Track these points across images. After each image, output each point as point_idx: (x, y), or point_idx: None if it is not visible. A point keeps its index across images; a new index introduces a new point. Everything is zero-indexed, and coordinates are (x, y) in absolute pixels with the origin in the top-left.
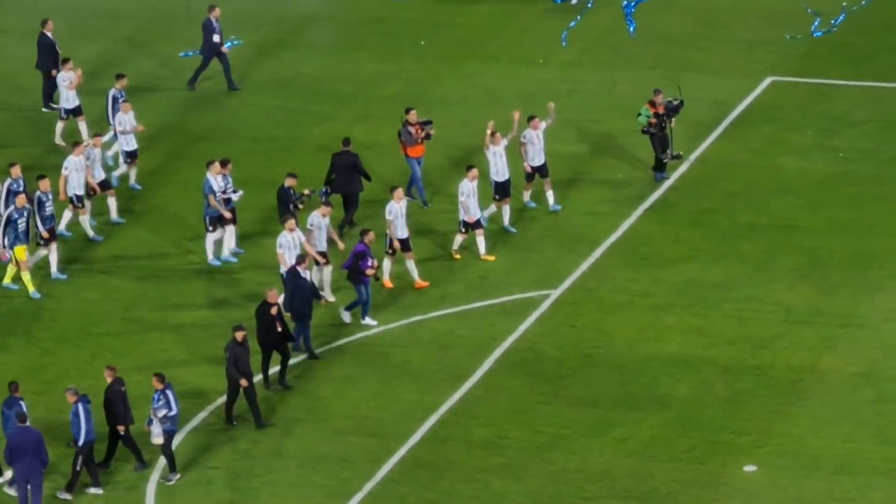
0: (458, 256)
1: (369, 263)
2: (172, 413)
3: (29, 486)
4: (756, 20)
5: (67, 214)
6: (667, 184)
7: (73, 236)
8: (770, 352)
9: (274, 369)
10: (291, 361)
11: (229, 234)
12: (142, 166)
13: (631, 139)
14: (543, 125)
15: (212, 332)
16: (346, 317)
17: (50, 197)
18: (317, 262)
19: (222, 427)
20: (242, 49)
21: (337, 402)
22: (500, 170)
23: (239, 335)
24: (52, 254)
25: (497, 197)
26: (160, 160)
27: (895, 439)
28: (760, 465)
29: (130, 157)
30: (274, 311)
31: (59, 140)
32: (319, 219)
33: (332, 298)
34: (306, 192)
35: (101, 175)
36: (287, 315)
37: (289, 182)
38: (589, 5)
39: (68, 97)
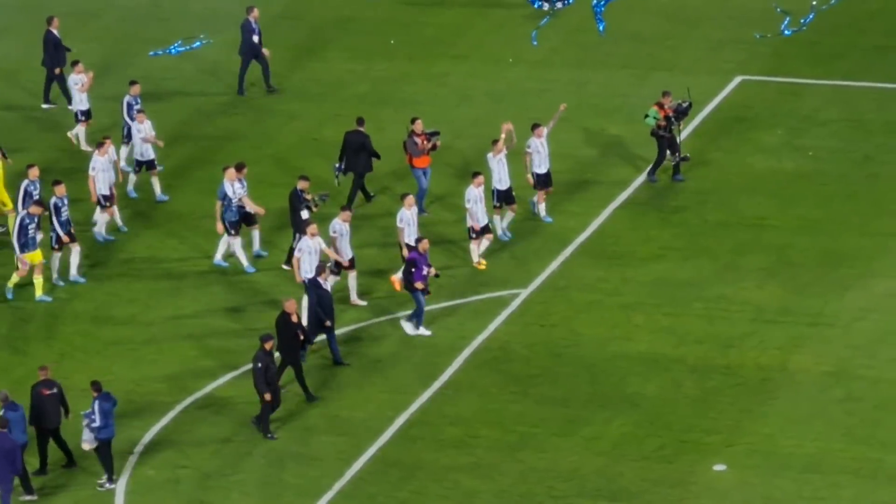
0: (482, 266)
1: (423, 273)
2: (95, 425)
3: None
4: (725, 19)
5: (104, 217)
6: (636, 182)
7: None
8: (739, 351)
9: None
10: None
11: (254, 238)
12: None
13: (602, 139)
14: (546, 131)
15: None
16: (409, 328)
17: (66, 202)
18: (338, 270)
19: (192, 426)
20: (211, 48)
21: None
22: (502, 178)
23: (268, 345)
24: (74, 256)
25: (497, 205)
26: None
27: (864, 438)
28: (730, 464)
29: (140, 166)
30: (294, 319)
31: (84, 146)
32: (341, 225)
33: (362, 303)
34: (316, 197)
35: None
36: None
37: (301, 185)
38: (560, 5)
39: (81, 99)
